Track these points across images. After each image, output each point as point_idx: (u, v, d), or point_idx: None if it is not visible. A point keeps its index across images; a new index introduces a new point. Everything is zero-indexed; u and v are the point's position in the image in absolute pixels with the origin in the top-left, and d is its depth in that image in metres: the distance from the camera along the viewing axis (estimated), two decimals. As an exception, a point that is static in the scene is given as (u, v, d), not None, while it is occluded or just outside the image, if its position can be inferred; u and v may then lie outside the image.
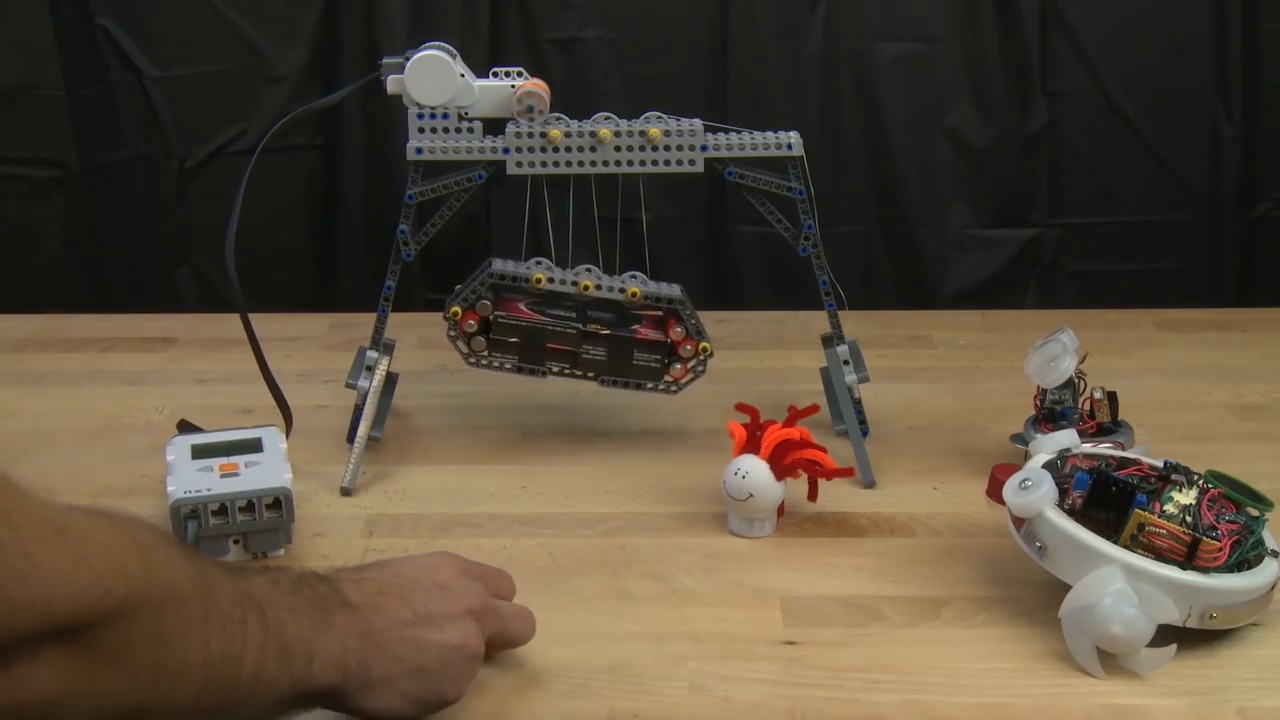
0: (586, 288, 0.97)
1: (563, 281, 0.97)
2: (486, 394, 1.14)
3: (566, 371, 1.00)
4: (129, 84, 1.41)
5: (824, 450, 0.91)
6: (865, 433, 1.01)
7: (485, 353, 0.98)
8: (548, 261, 0.97)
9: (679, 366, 0.99)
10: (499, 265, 0.97)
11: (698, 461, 1.01)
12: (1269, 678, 0.76)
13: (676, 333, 0.98)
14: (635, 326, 0.98)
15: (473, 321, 0.97)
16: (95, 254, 1.45)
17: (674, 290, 0.98)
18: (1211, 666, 0.77)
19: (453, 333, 0.98)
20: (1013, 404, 1.03)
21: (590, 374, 0.99)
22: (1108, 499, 0.79)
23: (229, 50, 1.39)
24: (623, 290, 0.97)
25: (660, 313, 0.99)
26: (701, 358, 0.99)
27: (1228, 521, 0.79)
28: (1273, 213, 1.43)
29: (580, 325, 0.98)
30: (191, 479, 0.89)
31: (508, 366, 0.99)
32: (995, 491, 0.94)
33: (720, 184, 1.04)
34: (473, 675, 0.72)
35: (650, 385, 1.00)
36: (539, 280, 0.96)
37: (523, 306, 0.98)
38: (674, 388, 1.00)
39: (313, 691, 0.65)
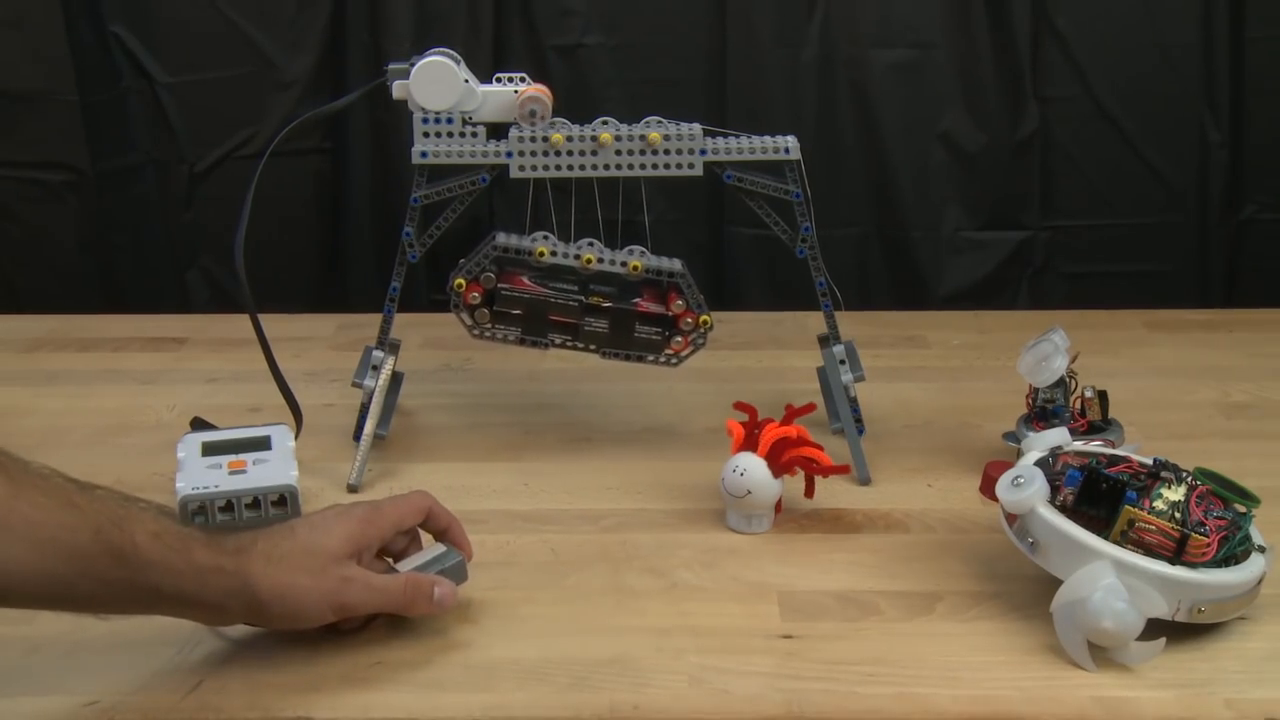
0: (589, 261, 0.97)
1: (565, 255, 0.97)
2: (490, 393, 1.15)
3: (569, 344, 0.99)
4: (141, 90, 1.41)
5: (820, 448, 0.92)
6: (861, 431, 1.02)
7: (489, 324, 0.98)
8: (551, 235, 0.97)
9: (680, 339, 0.99)
10: (503, 238, 0.97)
11: (697, 459, 1.01)
12: (1256, 670, 0.77)
13: (677, 306, 0.98)
14: (636, 299, 0.98)
15: (476, 294, 0.97)
16: (107, 256, 1.45)
17: (675, 264, 0.98)
18: (1200, 659, 0.77)
19: (457, 304, 0.98)
20: (1005, 403, 1.04)
21: (592, 346, 0.99)
22: (1098, 495, 0.80)
23: (238, 56, 1.39)
24: (624, 264, 0.97)
25: (661, 286, 0.99)
26: (702, 330, 0.99)
27: (1216, 518, 0.79)
28: (1259, 215, 1.43)
29: (582, 298, 0.98)
30: (200, 475, 0.90)
31: (511, 338, 0.99)
32: (988, 488, 0.95)
33: (719, 187, 1.05)
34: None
35: (651, 358, 1.00)
36: (542, 253, 0.97)
37: (526, 279, 0.98)
38: (674, 360, 1.00)
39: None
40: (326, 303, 1.46)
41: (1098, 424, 0.98)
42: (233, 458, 0.92)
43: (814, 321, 1.04)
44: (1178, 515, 0.79)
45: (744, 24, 1.38)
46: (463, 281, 0.97)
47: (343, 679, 0.76)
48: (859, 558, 0.89)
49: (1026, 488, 0.80)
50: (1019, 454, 0.88)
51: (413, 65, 0.95)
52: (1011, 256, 1.45)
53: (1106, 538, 0.78)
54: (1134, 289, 1.42)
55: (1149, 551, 0.78)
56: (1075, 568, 0.77)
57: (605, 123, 0.96)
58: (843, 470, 0.93)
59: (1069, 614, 0.77)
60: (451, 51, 0.96)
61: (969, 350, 1.24)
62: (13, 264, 1.44)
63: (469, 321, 0.99)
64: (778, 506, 0.93)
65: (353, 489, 0.98)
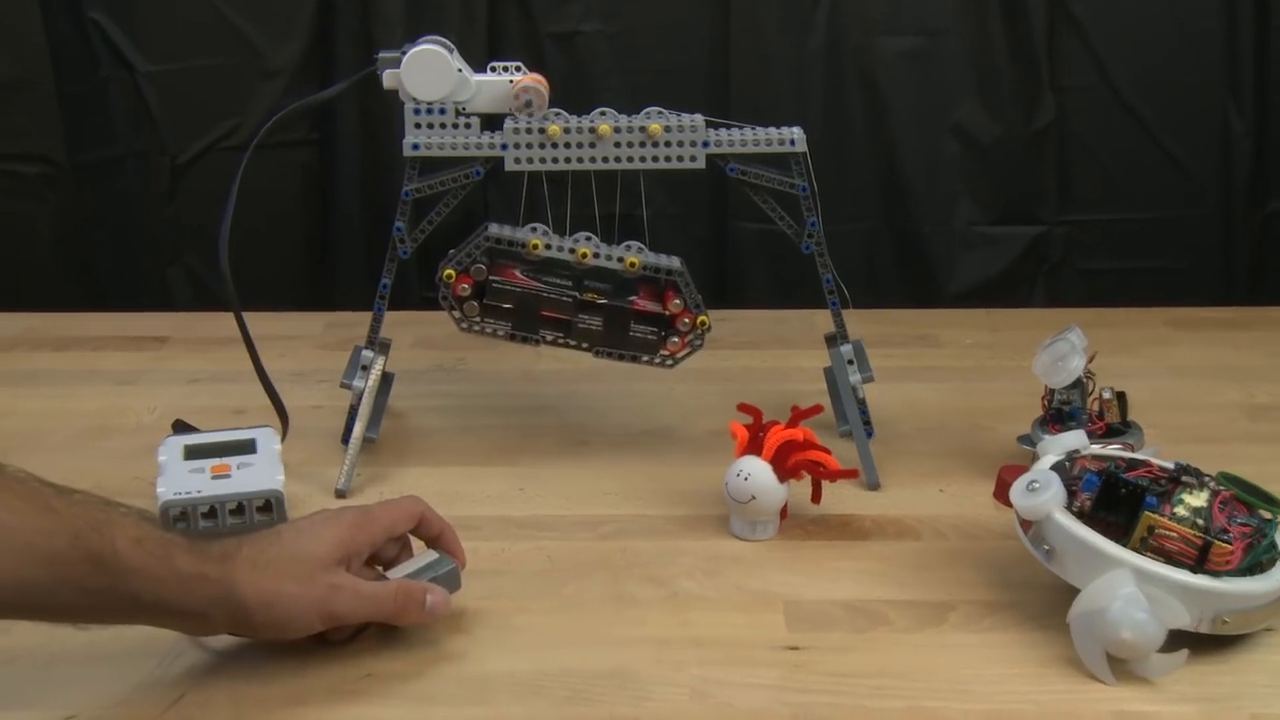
0: (584, 256, 0.96)
1: (560, 249, 0.96)
2: (484, 394, 1.15)
3: (560, 341, 0.98)
4: (121, 79, 1.41)
5: (828, 451, 0.91)
6: (870, 433, 1.01)
7: (478, 318, 0.97)
8: (545, 228, 0.96)
9: (676, 340, 0.98)
10: (495, 229, 0.96)
11: (699, 463, 1.00)
12: (1283, 684, 0.76)
13: (675, 305, 0.97)
14: (633, 297, 0.97)
15: (466, 286, 0.96)
16: (86, 252, 1.45)
17: (673, 262, 0.97)
18: (1224, 672, 0.76)
19: (445, 296, 0.97)
20: (1020, 404, 1.03)
21: (584, 344, 0.98)
22: (1117, 501, 0.79)
23: (222, 44, 1.39)
24: (621, 260, 0.96)
25: (659, 284, 0.98)
26: (699, 331, 0.98)
27: (1240, 524, 0.79)
28: (1284, 209, 1.44)
29: (577, 294, 0.97)
30: (182, 480, 0.89)
31: (500, 333, 0.98)
32: (1002, 493, 0.94)
33: (722, 180, 1.04)
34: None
35: (646, 358, 0.99)
36: (535, 246, 0.96)
37: (518, 272, 0.97)
38: (670, 361, 0.99)
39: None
40: (314, 300, 1.46)
41: (1116, 426, 0.98)
42: (216, 461, 0.92)
43: (821, 320, 1.03)
44: (1200, 522, 0.78)
45: (748, 11, 1.38)
46: (452, 272, 0.96)
47: (331, 691, 0.75)
48: (868, 566, 0.89)
49: (1042, 493, 0.80)
50: (1034, 458, 0.88)
51: (404, 54, 0.94)
52: (1026, 252, 1.45)
53: (1126, 545, 0.77)
54: (1154, 286, 1.42)
55: (1170, 560, 0.77)
56: (1093, 576, 0.76)
57: (604, 113, 0.95)
58: (851, 474, 0.93)
59: (1087, 624, 0.76)
60: (444, 39, 0.95)
61: (982, 350, 1.24)
62: (-13, 260, 1.45)
63: (457, 315, 0.98)
64: (783, 512, 0.92)
65: (341, 494, 0.97)
